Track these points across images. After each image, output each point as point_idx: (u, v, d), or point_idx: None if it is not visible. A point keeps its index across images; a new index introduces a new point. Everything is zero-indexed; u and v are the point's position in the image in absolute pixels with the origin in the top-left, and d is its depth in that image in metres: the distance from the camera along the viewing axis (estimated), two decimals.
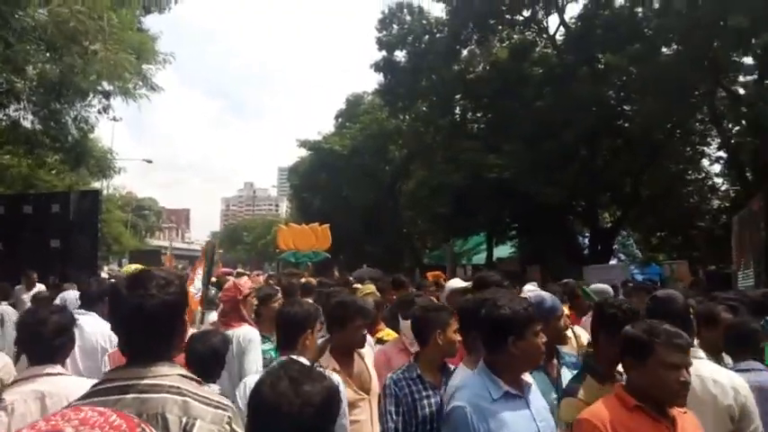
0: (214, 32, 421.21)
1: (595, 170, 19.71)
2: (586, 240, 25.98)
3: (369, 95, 33.94)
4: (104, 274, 16.84)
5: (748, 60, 14.22)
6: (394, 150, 31.83)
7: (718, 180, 21.44)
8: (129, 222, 53.37)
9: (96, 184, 24.76)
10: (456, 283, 5.13)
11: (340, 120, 35.60)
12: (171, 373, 1.74)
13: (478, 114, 25.09)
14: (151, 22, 16.21)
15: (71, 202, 9.86)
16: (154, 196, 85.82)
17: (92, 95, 14.12)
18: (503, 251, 28.08)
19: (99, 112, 15.87)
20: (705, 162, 21.69)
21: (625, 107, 20.29)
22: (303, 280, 8.73)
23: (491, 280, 4.23)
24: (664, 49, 16.42)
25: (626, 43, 18.92)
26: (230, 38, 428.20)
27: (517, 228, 24.80)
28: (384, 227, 35.33)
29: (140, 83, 14.80)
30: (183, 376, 1.77)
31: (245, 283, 4.25)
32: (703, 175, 21.77)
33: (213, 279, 11.34)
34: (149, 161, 41.01)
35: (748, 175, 15.23)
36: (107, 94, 16.71)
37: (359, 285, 7.37)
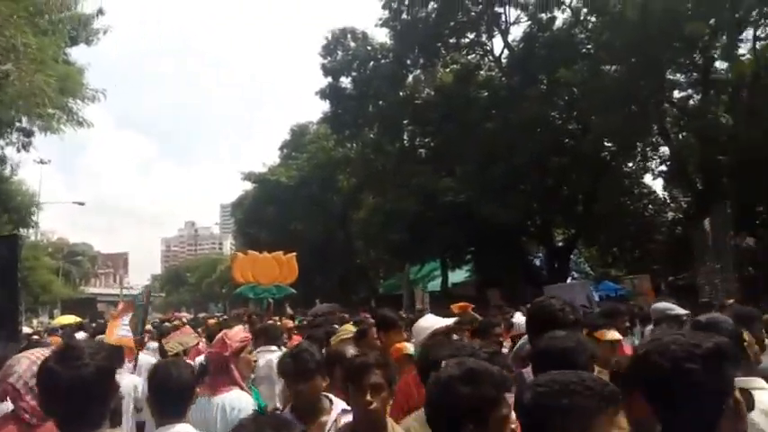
0: (147, 69, 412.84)
1: (547, 189, 19.75)
2: (538, 261, 26.07)
3: (314, 125, 33.36)
4: (27, 329, 15.01)
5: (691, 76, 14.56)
6: (342, 180, 31.24)
7: (663, 193, 22.03)
8: (61, 270, 50.00)
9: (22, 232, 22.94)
10: (433, 321, 4.01)
11: (285, 150, 34.77)
12: None
13: (426, 139, 24.94)
14: (81, 58, 15.07)
15: None
16: (89, 241, 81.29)
17: (9, 129, 12.87)
18: (458, 276, 27.71)
19: (18, 150, 14.58)
20: (648, 177, 22.29)
21: (570, 126, 20.56)
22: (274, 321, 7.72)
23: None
24: (607, 67, 16.68)
25: (568, 63, 19.34)
26: (164, 73, 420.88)
27: (472, 251, 24.51)
28: (335, 258, 34.43)
29: (65, 116, 13.68)
30: None
31: (236, 334, 3.36)
32: (647, 189, 22.28)
33: (149, 327, 10.18)
34: (81, 203, 38.68)
35: (698, 185, 15.50)
36: (28, 132, 15.40)
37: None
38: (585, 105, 15.93)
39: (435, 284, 29.11)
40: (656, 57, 13.39)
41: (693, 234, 12.83)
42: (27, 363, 2.40)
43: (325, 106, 24.47)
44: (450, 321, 3.83)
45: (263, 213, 32.90)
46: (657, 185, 21.97)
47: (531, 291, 22.88)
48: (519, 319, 4.99)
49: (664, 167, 21.17)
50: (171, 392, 2.52)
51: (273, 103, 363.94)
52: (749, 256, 12.51)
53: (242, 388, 3.17)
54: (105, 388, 1.90)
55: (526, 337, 3.36)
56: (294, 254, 13.96)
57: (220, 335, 3.38)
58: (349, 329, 5.07)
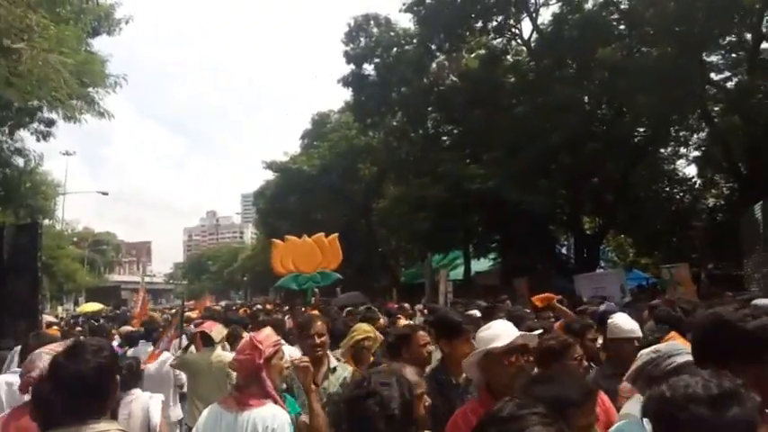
0: (169, 60, 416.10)
1: (578, 176, 19.12)
2: (564, 249, 25.44)
3: (335, 113, 32.96)
4: (50, 318, 14.94)
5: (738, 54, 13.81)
6: (364, 169, 30.84)
7: (698, 180, 21.18)
8: (86, 258, 50.63)
9: (46, 222, 22.97)
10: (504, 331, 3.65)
11: (306, 140, 34.45)
12: (111, 428, 2.00)
13: (451, 126, 24.39)
14: (102, 49, 14.80)
15: (4, 238, 8.07)
16: (113, 231, 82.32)
17: (28, 119, 12.69)
18: (481, 265, 27.25)
19: (38, 140, 14.45)
20: (682, 162, 21.51)
21: (602, 110, 19.87)
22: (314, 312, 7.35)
23: None
24: (645, 48, 15.95)
25: (600, 45, 18.64)
26: (186, 63, 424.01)
27: (497, 240, 23.99)
28: (356, 247, 34.11)
29: (86, 106, 13.48)
30: (122, 431, 2.05)
31: (268, 337, 2.88)
32: (682, 175, 21.54)
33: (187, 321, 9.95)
34: (105, 193, 38.97)
35: (743, 169, 14.79)
36: (48, 122, 15.24)
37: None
38: (623, 86, 15.19)
39: (457, 273, 28.65)
40: (700, 34, 12.72)
41: (741, 221, 12.17)
42: (48, 358, 2.48)
43: (347, 95, 24.06)
44: (534, 335, 2.77)
45: (285, 202, 32.69)
46: (693, 171, 21.16)
47: (560, 280, 22.45)
48: (621, 319, 3.94)
49: (697, 153, 20.50)
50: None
51: (296, 93, 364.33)
52: None
53: (276, 401, 2.76)
54: (104, 384, 2.05)
55: (652, 349, 2.37)
56: (336, 235, 12.55)
57: (248, 338, 2.93)
58: (364, 330, 4.52)
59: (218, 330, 5.85)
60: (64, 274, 37.21)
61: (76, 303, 42.67)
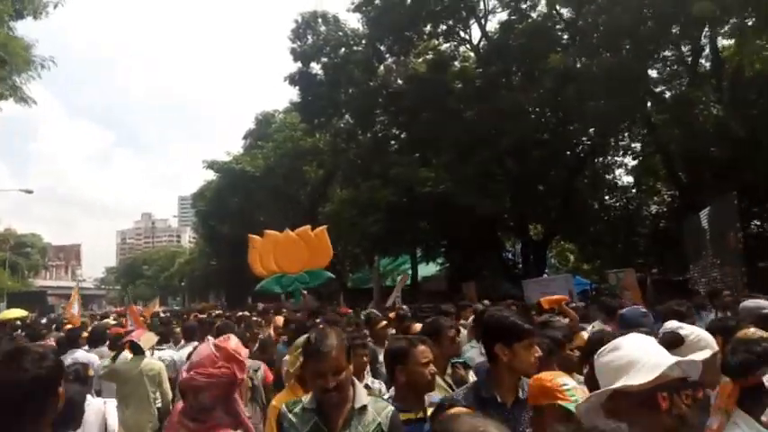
0: (103, 56, 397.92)
1: (524, 182, 19.30)
2: (509, 254, 25.70)
3: (280, 113, 32.12)
4: None
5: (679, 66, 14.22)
6: (310, 171, 30.18)
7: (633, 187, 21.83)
8: (8, 261, 47.28)
9: None
10: None
11: (249, 140, 33.42)
12: None
13: (399, 129, 24.17)
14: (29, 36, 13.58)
15: None
16: (39, 232, 77.44)
17: None
18: (428, 269, 27.17)
19: None
20: (621, 171, 22.14)
21: (548, 118, 20.15)
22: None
23: None
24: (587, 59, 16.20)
25: (545, 54, 18.94)
26: (121, 60, 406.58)
27: (445, 244, 23.93)
28: None
29: (7, 92, 12.37)
30: None
31: (239, 347, 2.35)
32: (621, 182, 22.15)
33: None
34: (29, 191, 36.26)
35: (683, 178, 15.26)
36: None
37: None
38: (571, 93, 15.39)
39: None
40: (647, 43, 12.99)
41: (684, 227, 12.47)
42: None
43: (292, 94, 23.42)
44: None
45: (226, 204, 31.58)
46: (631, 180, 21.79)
47: (507, 285, 22.60)
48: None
49: (635, 162, 21.16)
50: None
51: (237, 92, 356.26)
52: (759, 247, 12.16)
53: (248, 428, 2.31)
54: (43, 397, 1.73)
55: None
56: (325, 228, 11.08)
57: (217, 346, 2.37)
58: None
59: (146, 338, 5.82)
60: None
61: None
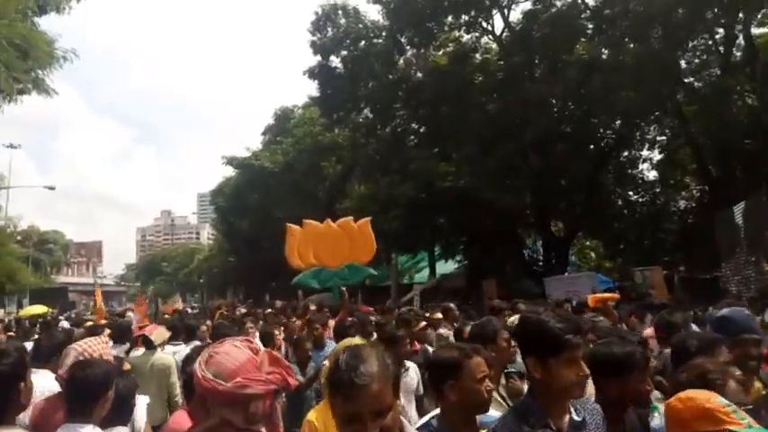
0: (123, 52, 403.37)
1: (547, 177, 18.87)
2: (528, 252, 25.21)
3: (299, 108, 31.99)
4: None
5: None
6: (329, 166, 30.00)
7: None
8: (31, 258, 47.91)
9: None
10: None
11: (268, 136, 33.35)
12: None
13: (415, 125, 23.86)
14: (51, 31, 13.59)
15: None
16: (62, 229, 78.49)
17: None
18: (446, 267, 26.81)
19: None
20: (647, 166, 21.57)
21: (571, 111, 19.69)
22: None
23: None
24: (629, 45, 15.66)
25: (569, 43, 18.51)
26: (141, 57, 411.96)
27: (465, 240, 23.54)
28: None
29: (30, 85, 12.35)
30: None
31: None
32: (644, 178, 21.58)
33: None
34: (52, 188, 36.63)
35: (713, 173, 14.72)
36: None
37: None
38: (597, 83, 14.92)
39: (422, 276, 28.14)
40: (680, 29, 12.51)
41: (716, 223, 11.97)
42: (74, 355, 2.69)
43: (311, 90, 23.23)
44: None
45: (245, 200, 31.56)
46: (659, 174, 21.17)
47: (528, 282, 22.14)
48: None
49: (661, 156, 20.57)
50: None
51: (257, 88, 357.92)
52: None
53: None
54: (4, 394, 2.06)
55: None
56: (368, 220, 9.98)
57: (258, 349, 2.10)
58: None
59: (158, 333, 5.79)
60: (4, 274, 34.89)
61: (19, 305, 40.18)
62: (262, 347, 2.05)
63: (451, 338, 6.89)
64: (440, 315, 7.07)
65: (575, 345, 1.90)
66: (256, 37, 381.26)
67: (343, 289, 8.03)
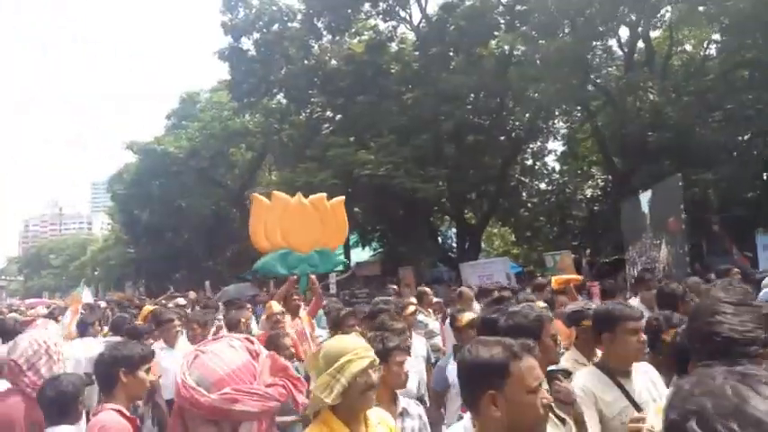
0: (19, 30, 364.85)
1: (462, 166, 19.32)
2: (440, 239, 25.83)
3: (206, 92, 30.45)
4: None
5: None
6: (237, 153, 28.83)
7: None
8: None
9: None
10: None
11: (172, 120, 31.48)
12: None
13: (330, 112, 23.51)
14: None
15: None
16: None
17: None
18: (362, 255, 26.81)
19: None
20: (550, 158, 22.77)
21: (487, 101, 20.27)
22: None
23: None
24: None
25: (485, 36, 18.99)
26: (37, 35, 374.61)
27: (381, 228, 23.64)
28: (230, 239, 32.10)
29: None
30: None
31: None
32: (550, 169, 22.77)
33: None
34: None
35: (618, 164, 15.74)
36: None
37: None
38: (511, 78, 15.42)
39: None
40: (592, 26, 13.16)
41: (622, 210, 12.77)
42: (28, 341, 2.73)
43: (220, 73, 22.13)
44: None
45: (147, 188, 29.66)
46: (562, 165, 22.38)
47: (443, 269, 22.62)
48: None
49: (564, 148, 21.78)
50: None
51: (161, 70, 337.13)
52: None
53: None
54: None
55: None
56: (342, 199, 8.44)
57: (262, 350, 1.79)
58: None
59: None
60: None
61: None
62: (264, 350, 1.71)
63: (431, 326, 6.66)
64: (413, 300, 6.73)
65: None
66: (160, 15, 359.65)
67: (313, 277, 7.08)
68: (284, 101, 23.19)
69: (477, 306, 6.30)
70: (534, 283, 7.92)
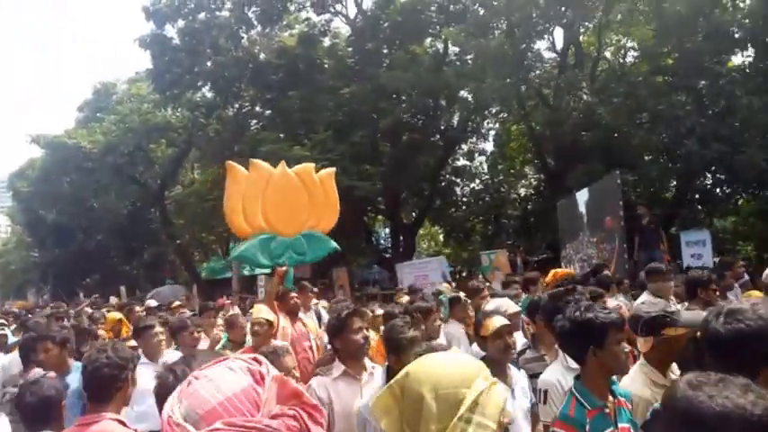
0: None
1: (398, 164, 19.16)
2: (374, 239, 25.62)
3: (124, 84, 28.52)
4: None
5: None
6: (158, 149, 27.14)
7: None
8: None
9: None
10: None
11: (85, 112, 29.23)
12: None
13: (259, 107, 22.64)
14: None
15: None
16: None
17: None
18: None
19: None
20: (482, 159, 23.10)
21: (420, 100, 20.24)
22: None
23: None
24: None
25: (419, 34, 19.02)
26: None
27: None
28: (148, 241, 30.29)
29: None
30: None
31: None
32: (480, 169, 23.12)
33: None
34: None
35: (551, 163, 16.10)
36: None
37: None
38: (448, 77, 15.42)
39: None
40: (520, 32, 13.38)
41: (559, 208, 13.00)
42: None
43: (140, 63, 20.73)
44: None
45: (55, 185, 27.33)
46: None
47: (378, 270, 22.34)
48: None
49: (495, 149, 22.18)
50: None
51: (73, 58, 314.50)
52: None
53: None
54: None
55: None
56: (333, 171, 7.16)
57: (271, 373, 1.25)
58: None
59: None
60: None
61: None
62: (273, 370, 1.19)
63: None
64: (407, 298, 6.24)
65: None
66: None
67: (284, 268, 5.81)
68: (210, 94, 22.08)
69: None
70: (526, 277, 7.34)
